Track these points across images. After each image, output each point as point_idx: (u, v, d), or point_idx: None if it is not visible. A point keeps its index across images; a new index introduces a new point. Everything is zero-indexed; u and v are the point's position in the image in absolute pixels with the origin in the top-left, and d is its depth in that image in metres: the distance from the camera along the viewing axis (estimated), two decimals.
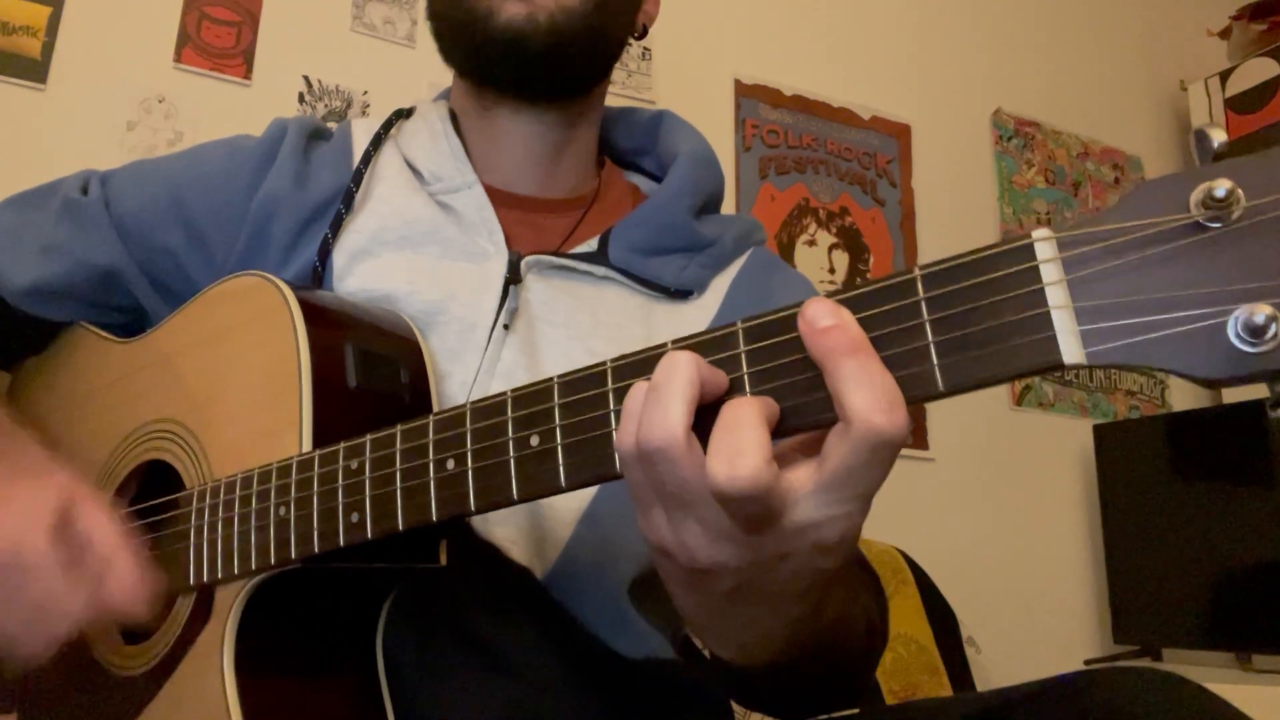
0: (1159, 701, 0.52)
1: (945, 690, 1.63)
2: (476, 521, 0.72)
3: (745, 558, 0.43)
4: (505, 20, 0.77)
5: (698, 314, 0.83)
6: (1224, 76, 2.45)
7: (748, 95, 2.06)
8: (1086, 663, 2.02)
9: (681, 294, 0.83)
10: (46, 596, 0.59)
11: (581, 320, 0.79)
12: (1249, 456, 1.95)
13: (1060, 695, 0.57)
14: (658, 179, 0.93)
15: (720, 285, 0.86)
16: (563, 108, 0.86)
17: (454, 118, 0.89)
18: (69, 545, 0.61)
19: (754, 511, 0.40)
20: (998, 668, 1.72)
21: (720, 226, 0.88)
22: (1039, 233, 0.36)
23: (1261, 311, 0.30)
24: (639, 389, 0.43)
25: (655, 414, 0.41)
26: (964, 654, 1.71)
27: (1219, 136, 0.33)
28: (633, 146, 0.97)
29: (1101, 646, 2.16)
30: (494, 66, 0.82)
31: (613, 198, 0.90)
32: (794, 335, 0.40)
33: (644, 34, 0.91)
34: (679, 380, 0.41)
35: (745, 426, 0.39)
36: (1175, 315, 0.32)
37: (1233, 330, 0.31)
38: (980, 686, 1.66)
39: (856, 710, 0.75)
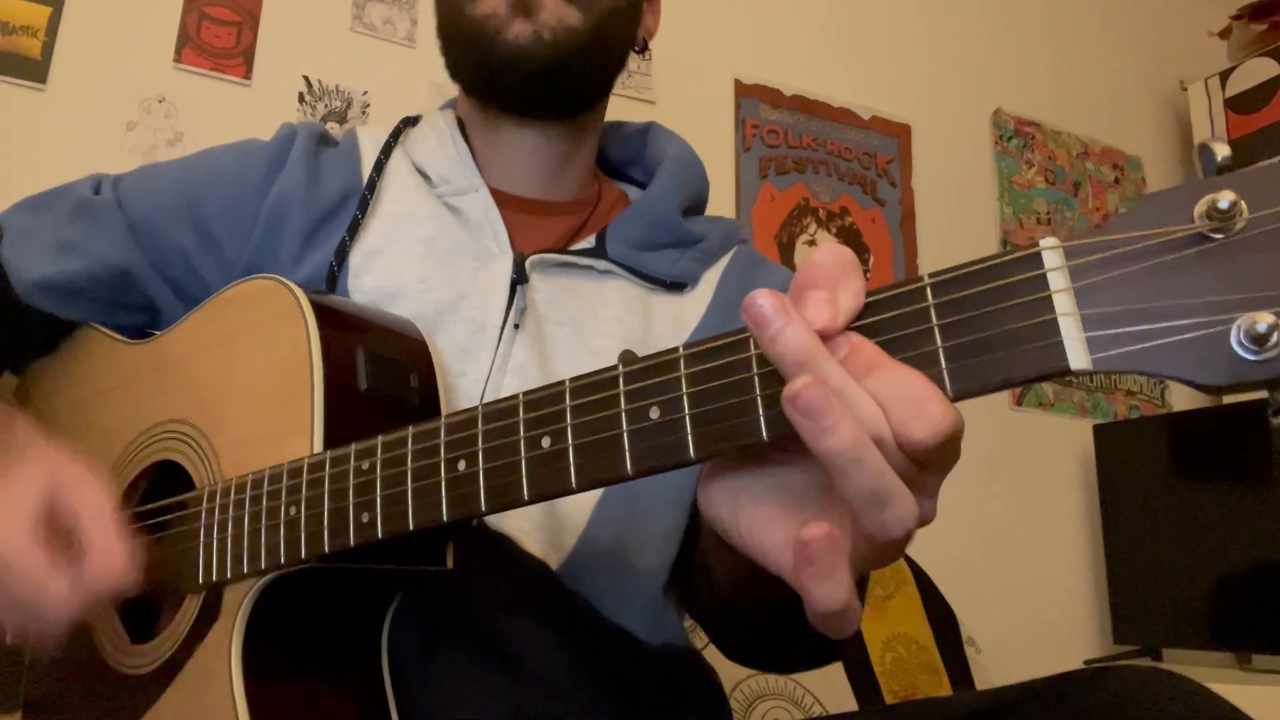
0: (1159, 699, 0.52)
1: (945, 690, 1.63)
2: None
3: None
4: (512, 38, 0.80)
5: (692, 305, 0.87)
6: (1224, 76, 2.45)
7: (748, 95, 2.06)
8: (1086, 663, 2.02)
9: (677, 286, 0.87)
10: (34, 593, 0.58)
11: (584, 319, 0.82)
12: (1249, 457, 1.95)
13: (1060, 693, 0.57)
14: (645, 187, 0.95)
15: (710, 278, 0.89)
16: (566, 123, 0.89)
17: (460, 124, 0.91)
18: (55, 533, 0.60)
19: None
20: (998, 668, 1.72)
21: (706, 224, 0.92)
22: (1046, 241, 0.36)
23: (1264, 320, 0.31)
24: (812, 389, 0.37)
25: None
26: (964, 654, 1.71)
27: (1223, 150, 0.34)
28: (622, 157, 1.00)
29: (1101, 646, 2.16)
30: (500, 84, 0.85)
31: (607, 204, 0.93)
32: None
33: (644, 48, 0.94)
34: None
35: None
36: (1179, 323, 0.33)
37: (1235, 338, 0.32)
38: (980, 686, 1.66)
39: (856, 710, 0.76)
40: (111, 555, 0.60)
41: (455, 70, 0.87)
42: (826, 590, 0.38)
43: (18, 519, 0.60)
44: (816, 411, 0.37)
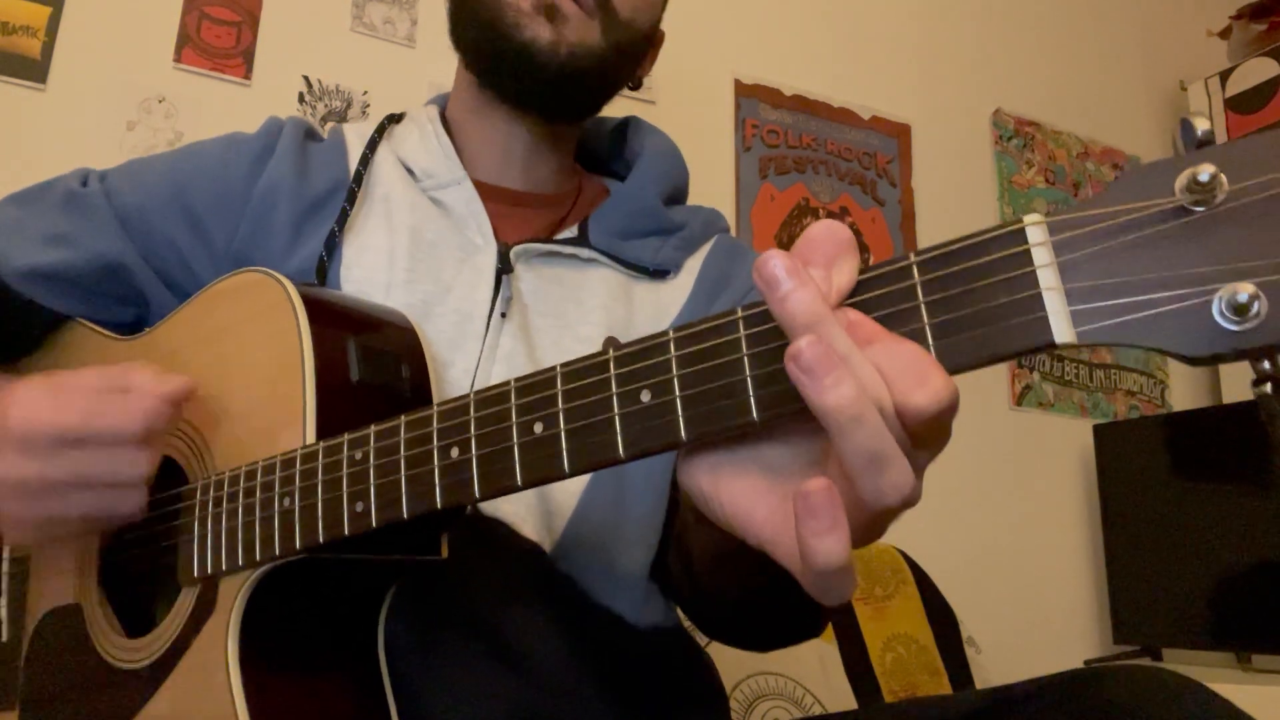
0: (1159, 699, 0.52)
1: (945, 690, 1.63)
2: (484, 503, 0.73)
3: None
4: (530, 38, 0.81)
5: (674, 292, 0.89)
6: (1224, 76, 2.45)
7: (748, 95, 2.06)
8: (1086, 663, 2.02)
9: (659, 274, 0.89)
10: (114, 413, 0.61)
11: (569, 310, 0.83)
12: (1249, 456, 1.94)
13: (1061, 693, 0.57)
14: (625, 179, 0.97)
15: (692, 266, 0.91)
16: (553, 126, 0.91)
17: (443, 119, 0.93)
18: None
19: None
20: (998, 668, 1.72)
21: (687, 213, 0.94)
22: (1030, 217, 0.37)
23: (1244, 290, 0.31)
24: (815, 346, 0.37)
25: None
26: (964, 654, 1.70)
27: (1203, 124, 0.35)
28: (602, 152, 1.02)
29: (1101, 646, 2.16)
30: (503, 76, 0.86)
31: (588, 197, 0.95)
32: None
33: (638, 85, 0.96)
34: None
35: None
36: (1162, 295, 0.33)
37: (1217, 309, 0.32)
38: (980, 686, 1.66)
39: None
40: (158, 377, 0.63)
41: (459, 42, 0.88)
42: (828, 545, 0.38)
43: (60, 396, 0.62)
44: (819, 368, 0.37)
